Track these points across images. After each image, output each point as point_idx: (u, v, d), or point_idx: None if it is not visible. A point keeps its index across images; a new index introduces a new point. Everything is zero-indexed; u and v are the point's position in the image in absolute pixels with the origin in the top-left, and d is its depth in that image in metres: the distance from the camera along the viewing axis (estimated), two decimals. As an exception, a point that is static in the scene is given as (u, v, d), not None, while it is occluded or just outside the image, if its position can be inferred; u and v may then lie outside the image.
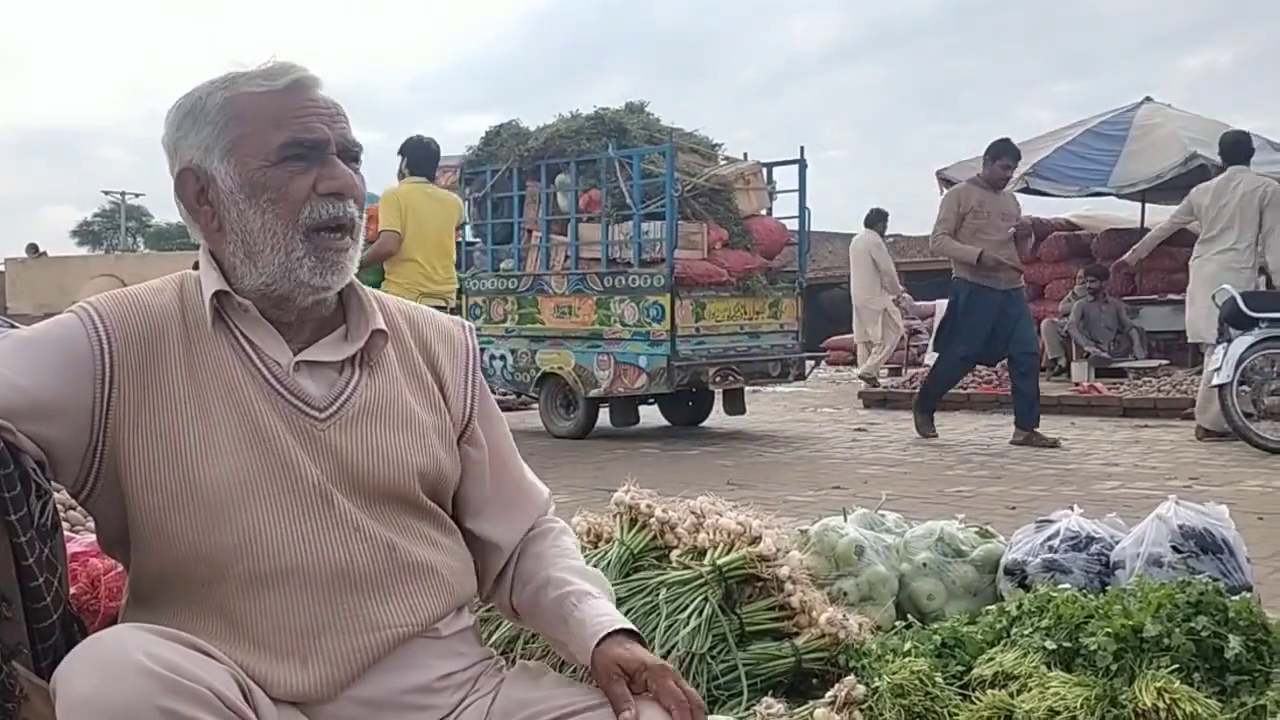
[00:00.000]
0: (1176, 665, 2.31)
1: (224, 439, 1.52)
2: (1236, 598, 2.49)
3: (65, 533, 2.61)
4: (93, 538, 2.19)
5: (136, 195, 61.14)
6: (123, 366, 1.52)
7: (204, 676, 1.35)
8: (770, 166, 9.89)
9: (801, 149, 9.62)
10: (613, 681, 1.54)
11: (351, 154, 1.61)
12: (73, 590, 2.27)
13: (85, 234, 61.94)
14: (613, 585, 2.70)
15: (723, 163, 9.83)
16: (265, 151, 1.55)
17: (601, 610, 1.65)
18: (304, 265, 1.56)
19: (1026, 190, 13.85)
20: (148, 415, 1.52)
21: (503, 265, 10.01)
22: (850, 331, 18.75)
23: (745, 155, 10.06)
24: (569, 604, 1.67)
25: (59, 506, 2.69)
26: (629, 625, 1.63)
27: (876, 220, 13.61)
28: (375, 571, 1.56)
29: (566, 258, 9.47)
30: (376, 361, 1.66)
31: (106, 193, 64.26)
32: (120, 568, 1.83)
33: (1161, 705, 2.21)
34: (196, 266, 1.64)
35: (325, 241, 1.57)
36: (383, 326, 1.65)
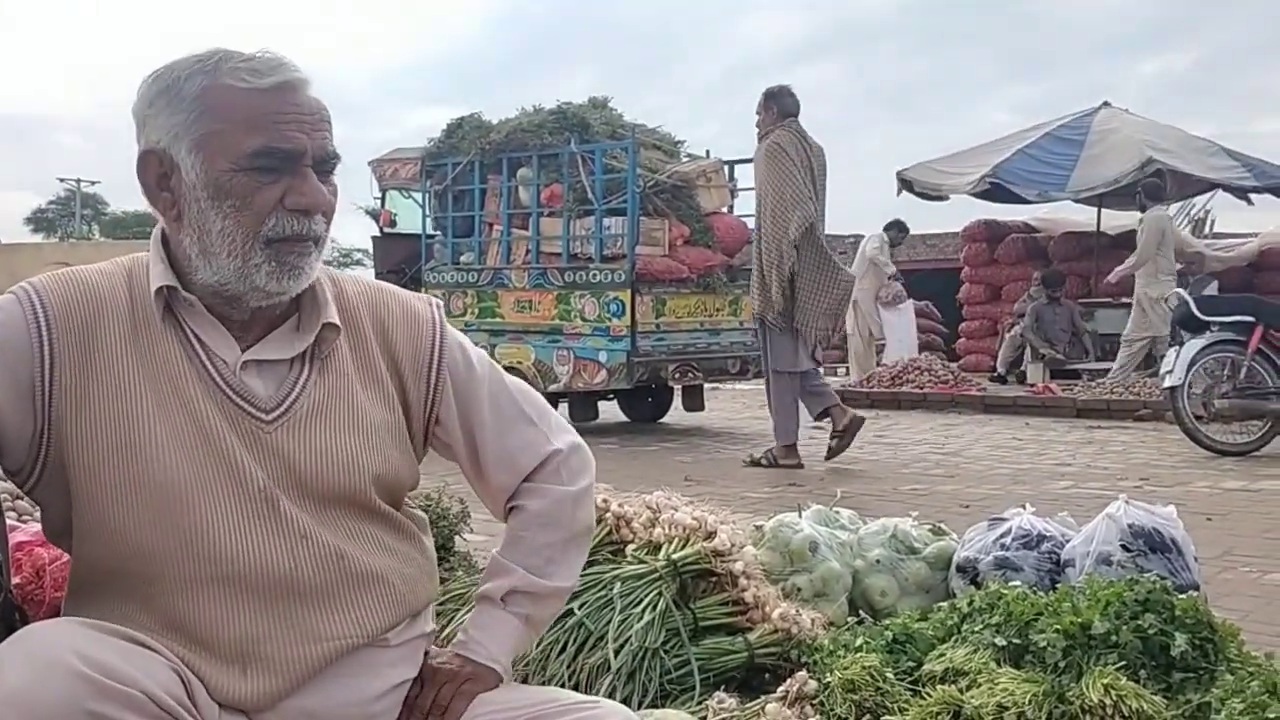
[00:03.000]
0: (1124, 662, 2.34)
1: (170, 434, 1.47)
2: (1184, 596, 2.53)
3: (13, 521, 2.58)
4: (39, 527, 2.16)
5: (92, 183, 60.16)
6: (64, 350, 1.47)
7: (137, 678, 1.32)
8: (732, 164, 9.91)
9: (763, 147, 9.64)
10: (430, 684, 1.63)
11: (328, 165, 1.54)
12: (17, 580, 2.24)
13: (40, 221, 61.00)
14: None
15: (685, 159, 9.86)
16: (235, 155, 1.46)
17: (475, 629, 1.71)
18: (261, 271, 1.49)
19: (987, 193, 13.97)
20: (94, 401, 1.47)
21: (463, 259, 9.96)
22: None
23: (707, 152, 10.10)
24: (476, 600, 1.76)
25: (5, 495, 2.66)
26: (479, 659, 1.67)
27: (892, 227, 13.66)
28: (322, 581, 1.51)
29: (527, 252, 9.45)
30: (328, 356, 1.59)
31: (62, 180, 63.35)
32: (66, 558, 1.80)
33: (1108, 702, 2.23)
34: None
35: (286, 249, 1.49)
36: (334, 320, 1.58)
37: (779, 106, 7.16)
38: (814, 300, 6.98)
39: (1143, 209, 11.79)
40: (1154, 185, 11.84)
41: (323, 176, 1.53)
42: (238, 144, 1.47)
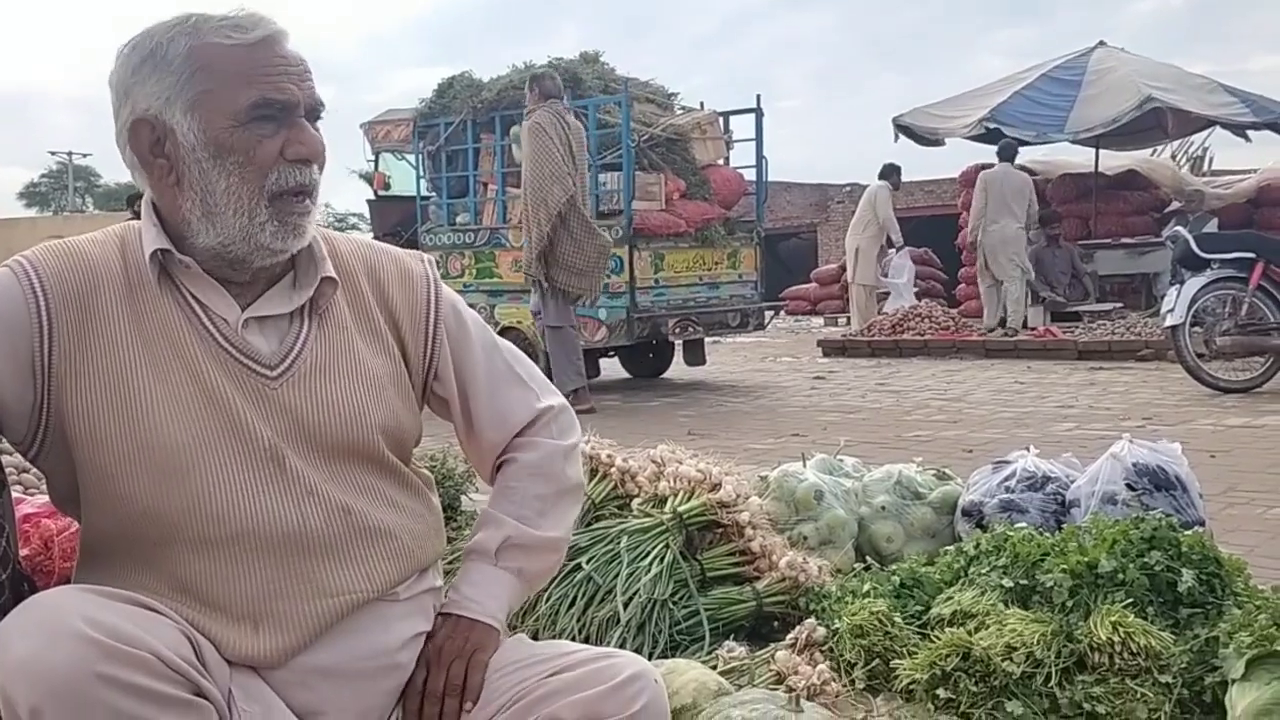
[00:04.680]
0: (1131, 600, 2.35)
1: (173, 398, 1.48)
2: (1189, 533, 2.53)
3: (19, 494, 2.58)
4: (46, 499, 2.17)
5: (84, 155, 59.84)
6: (61, 320, 1.47)
7: (146, 639, 1.32)
8: (727, 115, 9.86)
9: (758, 97, 9.61)
10: (415, 669, 1.60)
11: (317, 114, 1.55)
12: (26, 551, 2.25)
13: (33, 196, 60.77)
14: (574, 535, 2.72)
15: (679, 112, 9.79)
16: (234, 110, 1.47)
17: (458, 581, 1.69)
18: (265, 230, 1.49)
19: (984, 136, 13.89)
20: (92, 370, 1.47)
21: (459, 219, 9.93)
22: (809, 281, 18.88)
23: (702, 105, 10.02)
24: (465, 556, 1.73)
25: (13, 469, 2.67)
26: (474, 615, 1.64)
27: (889, 174, 13.59)
28: (329, 536, 1.52)
29: (523, 211, 9.40)
30: (326, 310, 1.60)
31: (53, 153, 62.95)
32: (74, 528, 1.80)
33: (1116, 639, 2.25)
34: (138, 217, 1.58)
35: (289, 206, 1.51)
36: (332, 274, 1.59)
37: (541, 89, 7.86)
38: (570, 261, 7.74)
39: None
40: (1007, 146, 12.51)
41: (313, 125, 1.54)
42: (234, 99, 1.47)
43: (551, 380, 1.89)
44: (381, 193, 11.54)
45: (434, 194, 10.28)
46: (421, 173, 10.33)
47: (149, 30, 1.51)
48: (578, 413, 1.83)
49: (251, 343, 1.53)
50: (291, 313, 1.58)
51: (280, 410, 1.53)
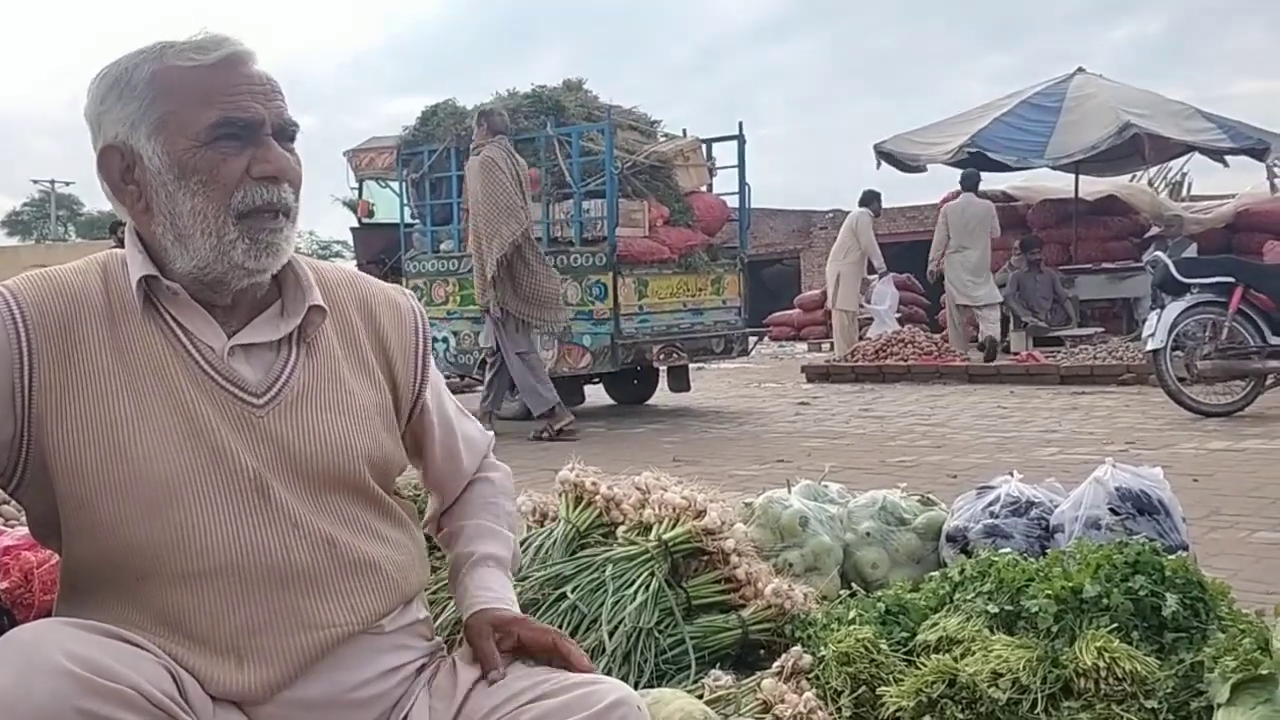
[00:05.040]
0: (1116, 625, 2.35)
1: (155, 429, 1.46)
2: (1173, 557, 2.54)
3: (-2, 526, 2.56)
4: (26, 531, 2.15)
5: (67, 184, 59.55)
6: (42, 350, 1.46)
7: (128, 674, 1.31)
8: (710, 142, 9.90)
9: (740, 124, 9.65)
10: (482, 638, 1.62)
11: (288, 133, 1.54)
12: (5, 584, 2.23)
13: (15, 224, 60.56)
14: (559, 563, 2.71)
15: (662, 139, 9.83)
16: (195, 130, 1.47)
17: (484, 583, 1.72)
18: (237, 248, 1.49)
19: (965, 162, 13.98)
20: (74, 400, 1.46)
21: (443, 246, 9.92)
22: (793, 307, 18.94)
23: (685, 131, 10.06)
24: (462, 565, 1.77)
25: (-9, 500, 2.64)
26: (503, 606, 1.68)
27: (869, 200, 13.64)
28: (314, 569, 1.51)
29: (507, 238, 9.41)
30: (314, 339, 1.59)
31: (35, 181, 62.75)
32: (54, 560, 1.78)
33: (1102, 664, 2.25)
34: (121, 245, 1.58)
35: (259, 223, 1.50)
36: (320, 302, 1.58)
37: (489, 124, 8.12)
38: (529, 293, 7.94)
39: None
40: (970, 175, 13.00)
41: (284, 145, 1.53)
42: (195, 120, 1.48)
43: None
44: (365, 220, 11.56)
45: (418, 221, 10.28)
46: (405, 200, 10.34)
47: (117, 60, 1.53)
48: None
49: (238, 371, 1.52)
50: (279, 341, 1.57)
51: (266, 439, 1.51)
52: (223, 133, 1.48)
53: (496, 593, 1.71)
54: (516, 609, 1.72)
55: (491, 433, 1.94)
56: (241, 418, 1.51)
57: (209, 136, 1.47)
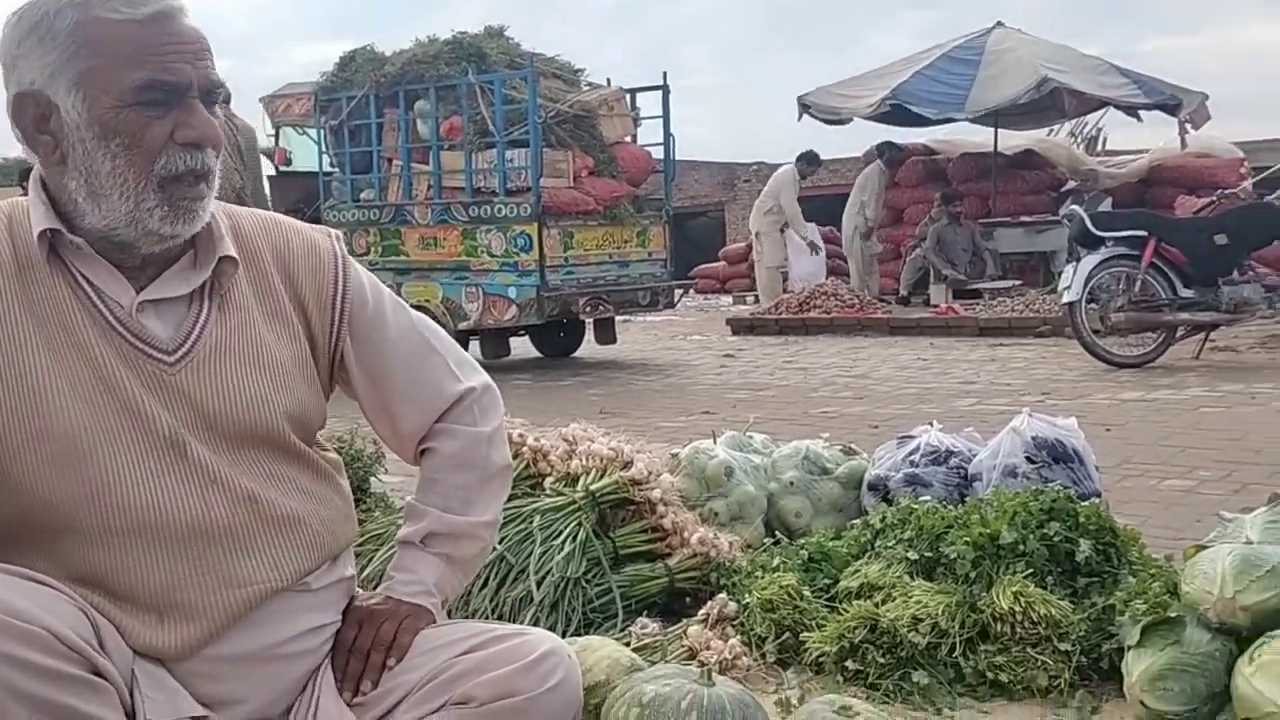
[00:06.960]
0: (1031, 570, 2.42)
1: (68, 384, 1.42)
2: (1086, 504, 2.61)
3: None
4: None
5: (-31, 128, 57.48)
6: None
7: (43, 617, 1.29)
8: (634, 92, 9.83)
9: (664, 74, 9.61)
10: (345, 628, 1.61)
11: (213, 96, 1.47)
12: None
13: (-86, 170, 58.42)
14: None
15: (586, 88, 9.73)
16: (120, 90, 1.40)
17: (397, 571, 1.69)
18: (154, 215, 1.43)
19: (887, 115, 14.07)
20: None
21: (363, 195, 9.78)
22: (718, 260, 18.97)
23: (608, 81, 9.97)
24: (399, 547, 1.73)
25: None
26: (403, 596, 1.65)
27: (802, 159, 13.62)
28: (235, 525, 1.48)
29: (429, 187, 9.30)
30: (227, 292, 1.54)
31: (-65, 125, 60.38)
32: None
33: (1018, 608, 2.31)
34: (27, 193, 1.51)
35: (181, 191, 1.44)
36: (232, 252, 1.53)
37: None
38: None
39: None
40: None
41: (208, 107, 1.47)
42: (120, 79, 1.41)
43: None
44: (282, 168, 11.30)
45: (336, 170, 10.09)
46: (324, 148, 10.14)
47: (36, 2, 1.44)
48: None
49: (148, 327, 1.48)
50: (190, 294, 1.52)
51: (179, 397, 1.48)
52: (148, 96, 1.41)
53: (393, 578, 1.68)
54: (416, 586, 1.66)
55: (469, 384, 1.72)
56: (154, 376, 1.47)
57: (134, 98, 1.41)
